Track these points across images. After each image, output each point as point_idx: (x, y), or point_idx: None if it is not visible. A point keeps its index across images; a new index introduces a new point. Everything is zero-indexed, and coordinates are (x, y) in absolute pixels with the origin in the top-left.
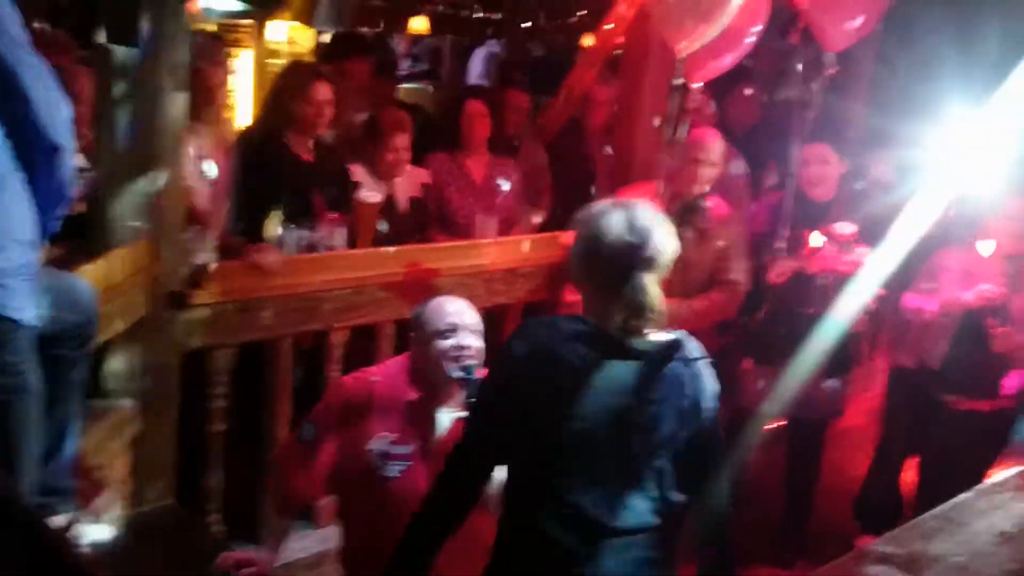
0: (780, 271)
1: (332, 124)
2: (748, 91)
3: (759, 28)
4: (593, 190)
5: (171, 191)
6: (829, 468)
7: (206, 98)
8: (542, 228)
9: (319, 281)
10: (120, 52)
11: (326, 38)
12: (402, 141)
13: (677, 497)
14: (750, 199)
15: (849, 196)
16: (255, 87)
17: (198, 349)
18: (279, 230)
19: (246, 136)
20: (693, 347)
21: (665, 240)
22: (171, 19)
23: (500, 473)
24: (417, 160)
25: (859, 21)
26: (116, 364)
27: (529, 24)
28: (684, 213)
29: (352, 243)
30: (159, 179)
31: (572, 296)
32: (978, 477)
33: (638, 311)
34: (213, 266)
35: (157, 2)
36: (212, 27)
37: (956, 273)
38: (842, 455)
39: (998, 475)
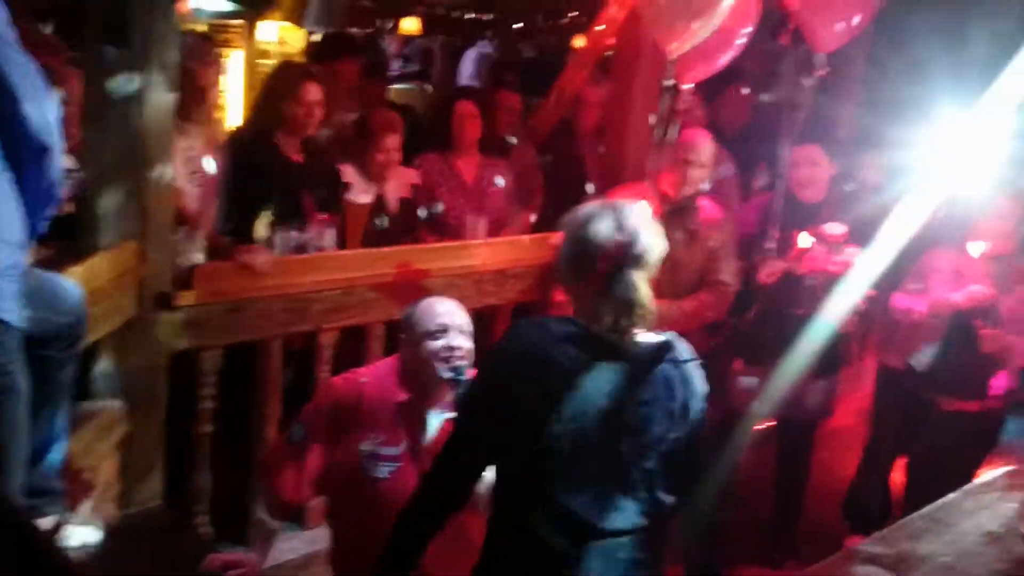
0: (770, 272)
1: (322, 124)
2: (738, 92)
3: (750, 29)
4: (585, 191)
5: (160, 192)
6: (818, 468)
7: (196, 98)
8: (534, 229)
9: (309, 282)
10: (110, 53)
11: (317, 38)
12: (392, 142)
13: (666, 498)
14: (740, 200)
15: (839, 197)
16: (245, 87)
17: (186, 350)
18: (269, 231)
19: (236, 136)
20: (683, 348)
21: (653, 239)
22: (161, 19)
23: (490, 474)
24: (408, 161)
25: (850, 22)
26: (104, 365)
27: (521, 25)
28: (674, 214)
29: (342, 244)
30: (148, 180)
31: (562, 296)
32: (966, 477)
33: (628, 309)
34: (201, 266)
35: (147, 2)
36: (202, 27)
37: (946, 274)
38: (831, 455)
39: (986, 475)
